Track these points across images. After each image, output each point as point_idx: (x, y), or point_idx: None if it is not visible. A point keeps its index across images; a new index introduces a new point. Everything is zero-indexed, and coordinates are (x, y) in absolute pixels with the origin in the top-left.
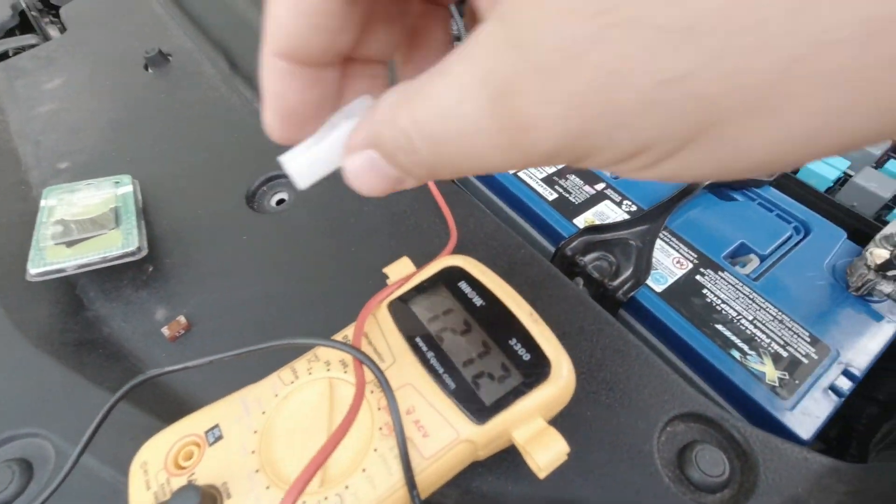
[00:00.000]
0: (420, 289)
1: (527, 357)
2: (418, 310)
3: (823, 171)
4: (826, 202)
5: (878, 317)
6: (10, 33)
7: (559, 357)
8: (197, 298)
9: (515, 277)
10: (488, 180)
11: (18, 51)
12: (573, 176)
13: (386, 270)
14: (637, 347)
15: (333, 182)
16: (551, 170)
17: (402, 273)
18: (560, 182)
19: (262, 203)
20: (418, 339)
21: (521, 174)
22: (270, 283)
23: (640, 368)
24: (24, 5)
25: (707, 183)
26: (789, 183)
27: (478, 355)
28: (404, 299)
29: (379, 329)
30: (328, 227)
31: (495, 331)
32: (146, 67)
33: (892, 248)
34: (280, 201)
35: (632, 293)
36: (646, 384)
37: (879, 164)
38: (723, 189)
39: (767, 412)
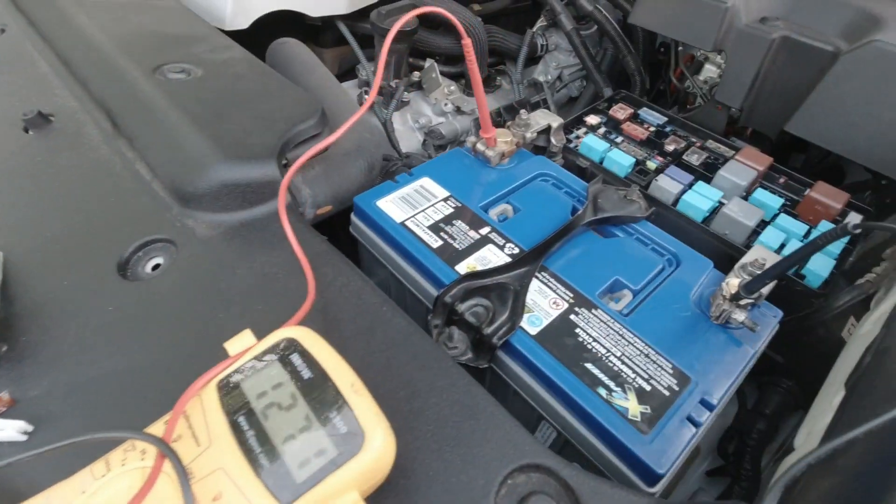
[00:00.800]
0: (252, 364)
1: (343, 430)
2: (247, 385)
3: (698, 203)
4: (703, 231)
5: (737, 343)
6: None
7: (375, 428)
8: (49, 379)
9: (376, 336)
10: (380, 232)
11: None
12: (459, 222)
13: (226, 345)
14: (486, 400)
15: (209, 246)
16: (438, 216)
17: (241, 347)
18: (446, 228)
19: (137, 270)
20: (241, 418)
21: (409, 223)
22: (129, 357)
23: (487, 422)
24: None
25: (587, 220)
26: (669, 214)
27: (298, 430)
28: (234, 376)
29: (202, 410)
30: (199, 292)
31: (318, 404)
32: (26, 130)
33: (747, 278)
34: (156, 266)
35: (505, 338)
36: (490, 438)
37: (749, 193)
38: (603, 226)
39: (627, 448)
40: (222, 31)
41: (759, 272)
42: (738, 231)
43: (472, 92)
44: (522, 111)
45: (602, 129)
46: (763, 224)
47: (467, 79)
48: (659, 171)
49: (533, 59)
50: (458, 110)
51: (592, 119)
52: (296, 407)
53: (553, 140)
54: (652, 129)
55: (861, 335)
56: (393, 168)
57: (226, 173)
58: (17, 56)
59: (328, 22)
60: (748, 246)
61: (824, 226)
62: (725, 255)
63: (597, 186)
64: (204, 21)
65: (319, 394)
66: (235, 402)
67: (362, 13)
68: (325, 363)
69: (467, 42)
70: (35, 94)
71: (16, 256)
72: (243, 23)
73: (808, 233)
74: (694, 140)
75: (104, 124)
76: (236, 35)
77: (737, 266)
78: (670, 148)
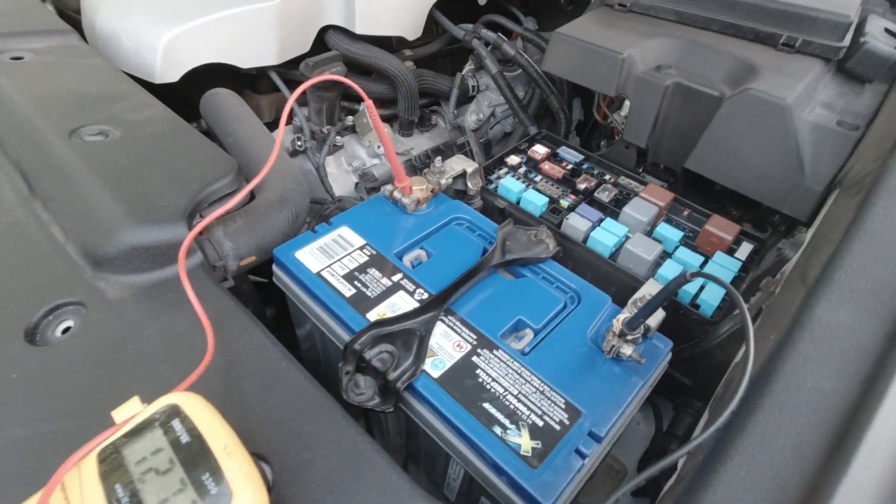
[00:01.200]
0: (134, 431)
1: (214, 491)
2: (127, 452)
3: (605, 239)
4: (610, 266)
5: (627, 375)
6: None
7: (243, 489)
8: None
9: (274, 391)
10: (298, 283)
11: None
12: (373, 269)
13: (113, 413)
14: (371, 450)
15: (120, 307)
16: (353, 265)
17: (127, 414)
18: (360, 277)
19: (46, 334)
20: (118, 485)
21: (324, 273)
22: (27, 425)
23: (371, 470)
24: None
25: (494, 263)
26: (579, 251)
27: (172, 494)
28: (116, 444)
29: (79, 480)
30: (106, 355)
31: (192, 467)
32: None
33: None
34: (66, 329)
35: (408, 382)
36: (374, 485)
37: (653, 227)
38: (511, 267)
39: (518, 482)
40: (153, 84)
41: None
42: (640, 265)
43: (406, 133)
44: (437, 159)
45: (522, 169)
46: (665, 256)
47: (401, 121)
48: (571, 209)
49: (468, 99)
50: None
51: (513, 159)
52: (172, 471)
53: (469, 184)
54: (569, 166)
55: (735, 362)
56: (326, 211)
57: (134, 236)
58: None
59: (262, 70)
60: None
61: (719, 257)
62: (633, 289)
63: (506, 229)
64: (128, 78)
65: (195, 457)
66: (114, 470)
67: (294, 62)
68: (202, 427)
69: (369, 104)
70: None
71: None
72: (173, 76)
73: (704, 263)
74: (608, 177)
75: (20, 186)
76: (169, 86)
77: (629, 301)
78: (582, 186)
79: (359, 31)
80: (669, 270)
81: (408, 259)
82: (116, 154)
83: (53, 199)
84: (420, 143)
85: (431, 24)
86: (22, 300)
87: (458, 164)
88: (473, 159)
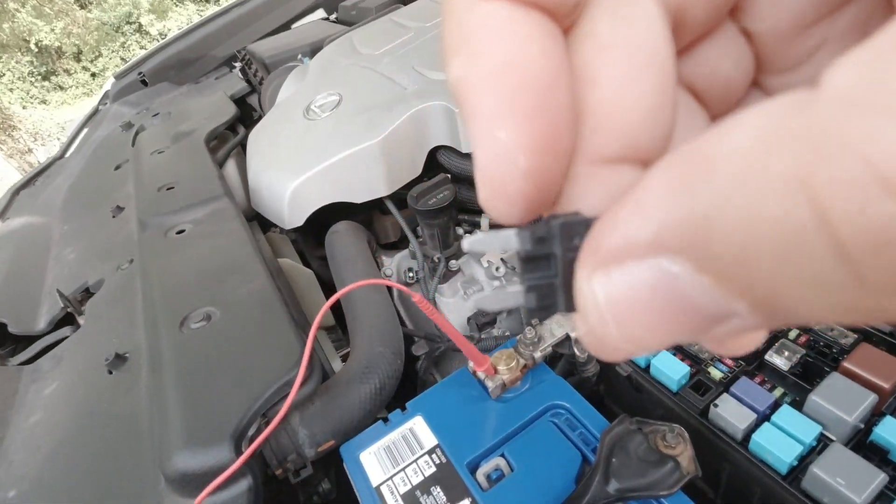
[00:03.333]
0: None
1: None
2: None
3: (779, 448)
4: (788, 493)
5: None
6: None
7: None
8: None
9: None
10: (359, 495)
11: None
12: (437, 489)
13: None
14: None
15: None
16: (417, 479)
17: None
18: (421, 499)
19: None
20: None
21: (384, 488)
22: None
23: None
24: None
25: (590, 499)
26: (733, 454)
27: None
28: None
29: None
30: None
31: None
32: (110, 371)
33: None
34: None
35: None
36: None
37: (867, 428)
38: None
39: None
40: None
41: None
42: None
43: None
44: (527, 329)
45: None
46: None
47: None
48: (725, 384)
49: None
50: (514, 271)
51: None
52: None
53: (577, 352)
54: None
55: None
56: (437, 353)
57: (183, 461)
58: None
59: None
60: None
61: None
62: None
63: (615, 432)
64: (250, 241)
65: None
66: None
67: (408, 187)
68: None
69: (417, 297)
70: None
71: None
72: (298, 221)
73: None
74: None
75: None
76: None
77: None
78: None
79: (464, 149)
80: None
81: (483, 472)
82: (206, 346)
83: (154, 395)
84: None
85: None
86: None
87: (561, 327)
88: None
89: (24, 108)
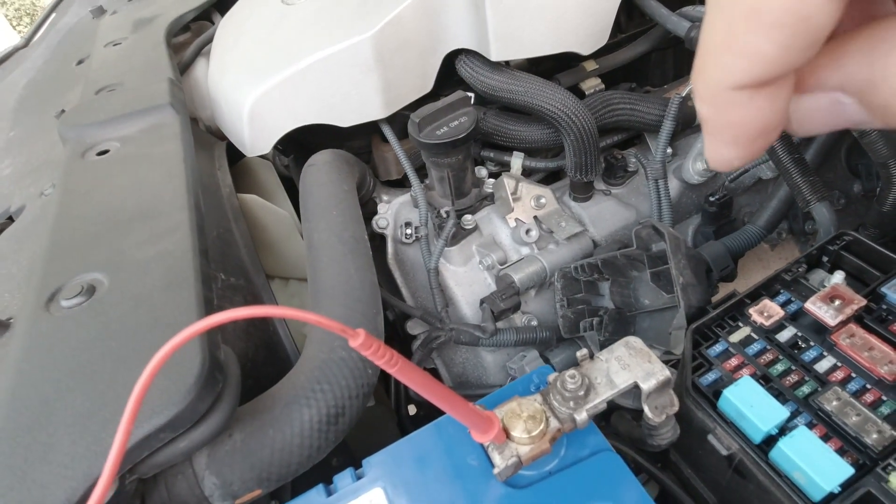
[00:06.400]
0: None
1: None
2: None
3: None
4: None
5: None
6: None
7: None
8: None
9: None
10: None
11: None
12: None
13: None
14: None
15: None
16: None
17: None
18: None
19: None
20: None
21: None
22: None
23: None
24: None
25: None
26: None
27: None
28: None
29: None
30: None
31: None
32: None
33: None
34: None
35: None
36: None
37: None
38: None
39: None
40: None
41: None
42: None
43: (582, 197)
44: (566, 374)
45: (787, 335)
46: None
47: (572, 183)
48: None
49: (692, 129)
50: (552, 234)
51: (766, 310)
52: None
53: (647, 410)
54: None
55: None
56: (435, 343)
57: None
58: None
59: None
60: None
61: None
62: None
63: None
64: (183, 175)
65: None
66: None
67: (414, 108)
68: None
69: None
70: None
71: None
72: (264, 147)
73: None
74: None
75: None
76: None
77: None
78: None
79: (494, 57)
80: None
81: None
82: (69, 343)
83: None
84: (605, 212)
85: (621, 17)
86: None
87: (626, 370)
88: (681, 270)
89: None
